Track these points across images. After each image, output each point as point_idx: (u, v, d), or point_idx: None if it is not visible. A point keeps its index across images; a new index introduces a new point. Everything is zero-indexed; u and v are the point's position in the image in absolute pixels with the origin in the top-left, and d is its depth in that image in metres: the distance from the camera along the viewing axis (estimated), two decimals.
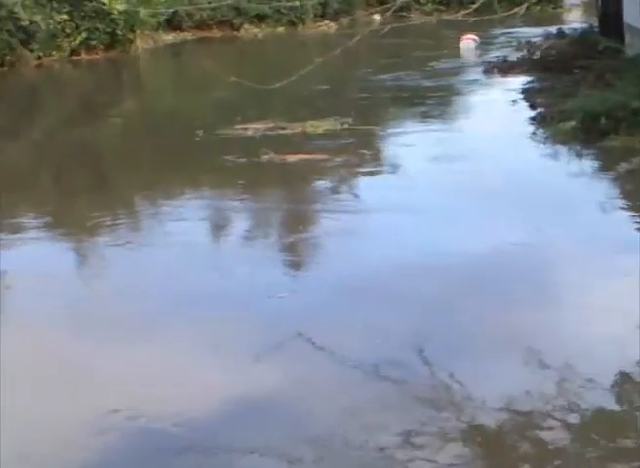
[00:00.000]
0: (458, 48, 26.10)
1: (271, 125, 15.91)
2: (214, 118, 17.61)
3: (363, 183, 12.37)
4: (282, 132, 15.50)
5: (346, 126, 15.75)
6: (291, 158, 13.52)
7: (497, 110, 17.27)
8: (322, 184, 12.46)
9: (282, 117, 16.44)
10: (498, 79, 20.95)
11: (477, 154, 13.16)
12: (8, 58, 24.75)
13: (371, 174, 12.84)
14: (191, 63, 28.43)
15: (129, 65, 28.08)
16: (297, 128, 15.66)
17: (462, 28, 25.56)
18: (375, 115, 18.04)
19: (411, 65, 23.80)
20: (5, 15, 24.43)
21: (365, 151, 14.35)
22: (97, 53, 27.93)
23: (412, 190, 11.48)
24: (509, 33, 28.23)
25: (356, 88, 21.08)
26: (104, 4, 27.69)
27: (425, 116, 17.27)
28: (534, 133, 14.64)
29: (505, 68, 21.60)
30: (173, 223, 10.67)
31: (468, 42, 26.05)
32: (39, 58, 25.95)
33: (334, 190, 12.05)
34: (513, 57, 22.53)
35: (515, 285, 8.07)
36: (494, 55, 24.00)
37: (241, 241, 10.08)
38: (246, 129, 15.76)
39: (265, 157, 13.50)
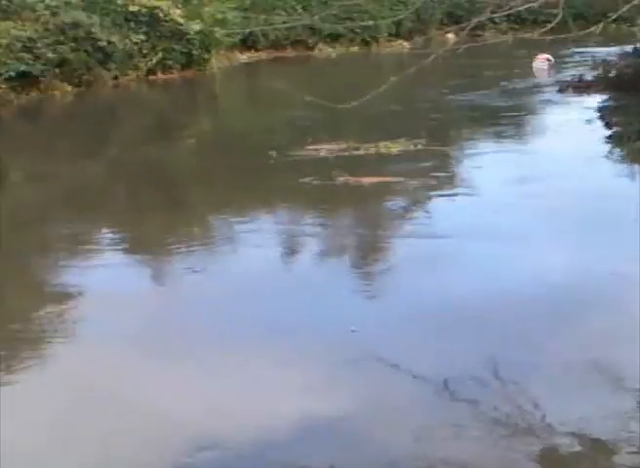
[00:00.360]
0: (531, 67, 25.92)
1: (344, 146, 15.71)
2: (286, 138, 17.60)
3: (439, 207, 12.12)
4: (355, 153, 15.30)
5: (420, 147, 15.50)
6: (366, 180, 13.31)
7: (572, 129, 17.07)
8: (398, 208, 12.28)
9: (354, 138, 16.30)
10: (573, 98, 20.76)
11: (553, 175, 12.96)
12: (85, 77, 25.16)
13: (447, 197, 12.56)
14: (265, 82, 28.61)
15: (204, 85, 28.37)
16: (370, 149, 15.46)
17: (537, 47, 25.37)
18: (448, 135, 17.89)
19: (484, 85, 23.69)
20: (83, 35, 24.86)
21: (440, 173, 14.10)
22: (172, 72, 28.27)
23: (488, 214, 11.30)
24: (584, 52, 27.95)
25: (429, 108, 21.00)
26: (181, 24, 28.05)
27: (500, 136, 17.13)
28: (610, 152, 14.47)
29: (580, 87, 21.40)
30: (247, 247, 10.58)
31: (542, 61, 25.84)
32: (116, 77, 26.35)
33: (410, 214, 11.87)
34: (589, 75, 22.30)
35: (601, 314, 7.87)
36: (568, 73, 23.80)
37: (316, 266, 10.00)
38: (319, 149, 15.55)
39: (340, 179, 13.29)
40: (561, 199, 11.59)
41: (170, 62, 28.11)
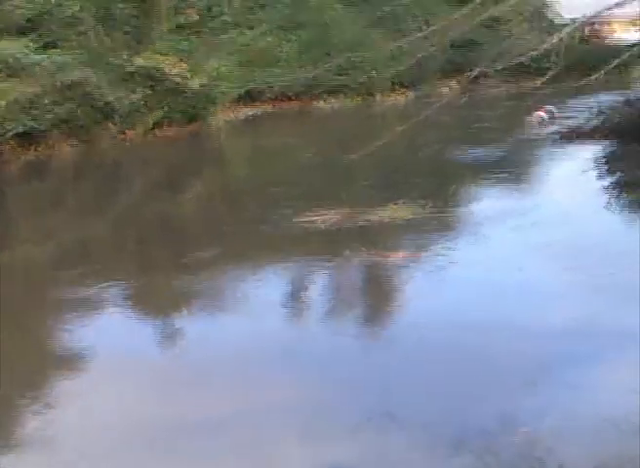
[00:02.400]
0: (530, 118, 25.84)
1: (350, 211, 14.25)
2: (289, 199, 16.23)
3: (482, 291, 10.27)
4: (366, 219, 13.78)
5: (428, 210, 14.30)
6: (393, 257, 11.83)
7: (572, 179, 17.00)
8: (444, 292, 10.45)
9: (359, 200, 15.23)
10: (572, 147, 20.83)
11: (579, 241, 11.96)
12: (90, 133, 25.35)
13: (482, 275, 10.83)
14: (268, 136, 28.70)
15: (207, 139, 28.52)
16: (378, 214, 14.04)
17: (537, 97, 25.46)
18: (454, 194, 17.04)
19: (484, 136, 23.69)
20: (87, 92, 25.08)
21: (460, 245, 12.44)
22: (176, 127, 28.49)
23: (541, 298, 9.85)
24: (585, 101, 28.04)
25: (430, 162, 20.75)
26: (184, 79, 28.30)
27: (506, 193, 16.57)
28: (609, 202, 14.46)
29: (580, 136, 21.51)
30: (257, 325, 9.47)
31: (540, 115, 25.72)
32: (121, 132, 26.56)
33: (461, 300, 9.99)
34: (588, 124, 22.39)
35: None
36: (568, 123, 23.85)
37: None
38: (324, 215, 14.03)
39: (366, 256, 11.85)
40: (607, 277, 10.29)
41: (173, 117, 28.33)
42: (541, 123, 25.32)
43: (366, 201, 15.17)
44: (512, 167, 19.51)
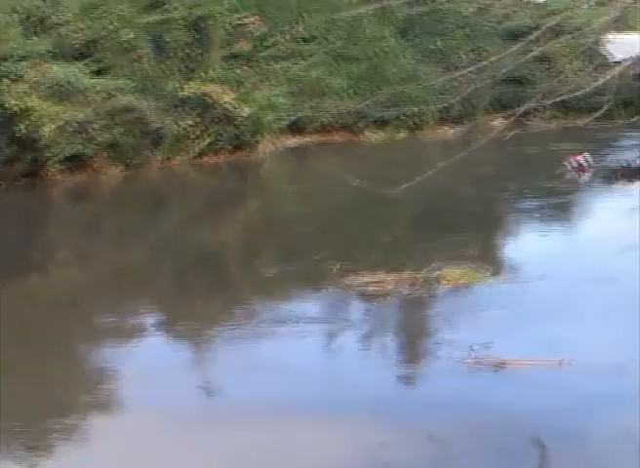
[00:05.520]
0: (566, 163, 25.25)
1: (405, 275, 12.28)
2: (332, 252, 14.57)
3: None
4: (434, 288, 12.09)
5: (492, 273, 12.74)
6: (517, 365, 9.56)
7: (623, 219, 16.77)
8: None
9: (412, 256, 13.30)
10: (620, 186, 20.59)
11: None
12: (134, 160, 25.43)
13: None
14: (312, 168, 28.64)
15: (252, 169, 28.50)
16: (441, 278, 12.22)
17: (582, 135, 25.14)
18: (511, 248, 15.96)
19: (530, 176, 23.14)
20: (134, 119, 25.19)
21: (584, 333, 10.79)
22: (220, 156, 28.53)
23: None
24: (631, 140, 27.74)
25: (472, 209, 19.73)
26: (232, 109, 28.37)
27: (562, 247, 15.81)
28: None
29: (628, 175, 21.31)
30: None
31: (576, 161, 25.00)
32: (165, 160, 26.62)
33: None
34: (636, 163, 22.18)
35: None
36: (615, 162, 23.56)
37: None
38: (378, 278, 12.17)
39: (478, 360, 9.83)
40: None
41: (219, 146, 28.37)
42: (577, 169, 24.75)
43: (422, 258, 13.33)
44: (562, 216, 18.99)
